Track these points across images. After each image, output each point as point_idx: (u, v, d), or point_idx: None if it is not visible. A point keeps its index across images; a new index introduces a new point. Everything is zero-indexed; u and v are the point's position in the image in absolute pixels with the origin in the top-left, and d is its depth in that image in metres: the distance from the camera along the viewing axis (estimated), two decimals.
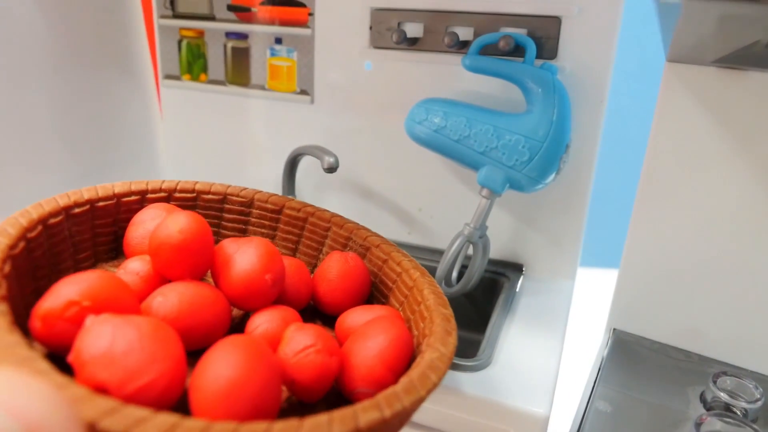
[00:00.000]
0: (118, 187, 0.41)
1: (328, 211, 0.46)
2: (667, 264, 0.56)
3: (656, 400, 0.49)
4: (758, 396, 0.46)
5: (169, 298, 0.33)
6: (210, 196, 0.46)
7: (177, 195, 0.45)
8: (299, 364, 0.31)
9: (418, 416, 0.50)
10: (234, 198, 0.46)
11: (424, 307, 0.37)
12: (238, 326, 0.38)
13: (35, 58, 0.66)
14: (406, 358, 0.33)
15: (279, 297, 0.39)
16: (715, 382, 0.48)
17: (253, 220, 0.47)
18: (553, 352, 0.54)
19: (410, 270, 0.40)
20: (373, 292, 0.44)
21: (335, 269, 0.41)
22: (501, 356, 0.52)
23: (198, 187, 0.45)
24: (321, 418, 0.24)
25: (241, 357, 0.27)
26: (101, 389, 0.25)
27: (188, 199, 0.45)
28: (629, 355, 0.56)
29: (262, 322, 0.36)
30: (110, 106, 0.78)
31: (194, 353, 0.31)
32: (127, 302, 0.31)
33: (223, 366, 0.27)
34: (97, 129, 0.76)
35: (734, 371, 0.50)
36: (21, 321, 0.30)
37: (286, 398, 0.33)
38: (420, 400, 0.27)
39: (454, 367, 0.50)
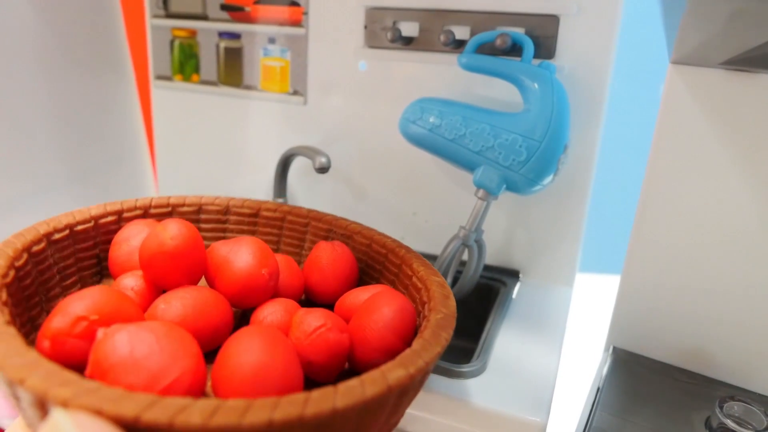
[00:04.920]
0: (94, 209, 0.42)
1: (303, 207, 0.47)
2: (670, 279, 0.54)
3: (658, 426, 0.46)
4: (767, 423, 0.44)
5: (173, 305, 0.33)
6: (185, 209, 0.46)
7: (152, 211, 0.45)
8: (313, 344, 0.32)
9: (409, 424, 0.47)
10: (209, 207, 0.47)
11: (417, 279, 0.38)
12: (240, 325, 0.38)
13: (20, 60, 0.64)
14: (413, 325, 0.34)
15: (274, 293, 0.40)
16: (721, 408, 0.45)
17: (231, 226, 0.48)
18: (551, 360, 0.51)
19: (396, 249, 0.41)
20: (362, 277, 0.44)
21: (325, 258, 0.42)
22: (496, 363, 0.50)
23: (172, 201, 0.46)
24: (353, 382, 0.25)
25: (260, 343, 0.28)
26: None
27: (164, 214, 0.46)
28: (629, 376, 0.53)
29: (266, 314, 0.36)
30: (93, 108, 0.77)
31: (205, 356, 0.31)
32: (132, 313, 0.32)
33: (244, 353, 0.28)
34: (80, 131, 0.75)
35: (742, 395, 0.47)
36: None
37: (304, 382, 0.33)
38: (436, 356, 0.29)
39: (447, 373, 0.47)
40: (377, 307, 0.35)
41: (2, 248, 0.34)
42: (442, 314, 0.33)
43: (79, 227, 0.40)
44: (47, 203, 0.70)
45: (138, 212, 0.44)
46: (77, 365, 0.28)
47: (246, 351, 0.28)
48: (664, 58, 0.51)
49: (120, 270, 0.40)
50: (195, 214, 0.47)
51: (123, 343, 0.26)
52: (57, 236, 0.38)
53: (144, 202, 0.45)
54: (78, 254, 0.41)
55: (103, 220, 0.42)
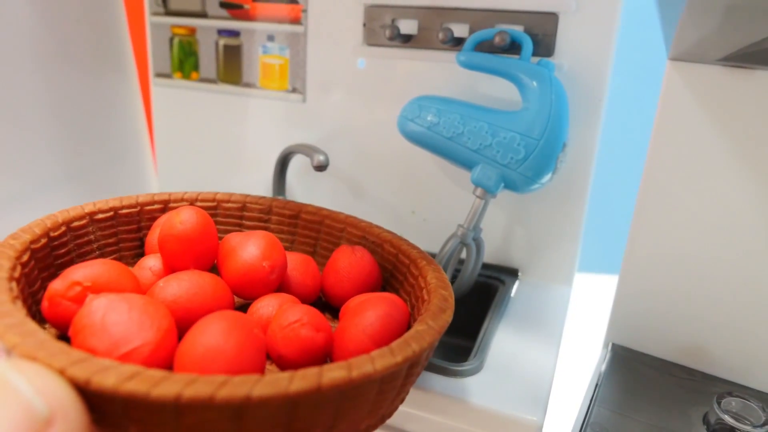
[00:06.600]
0: (142, 197, 0.45)
1: (342, 213, 0.48)
2: (669, 276, 0.54)
3: (656, 421, 0.46)
4: (765, 419, 0.43)
5: (170, 285, 0.35)
6: (230, 204, 0.48)
7: (198, 204, 0.47)
8: (286, 338, 0.32)
9: (404, 422, 0.47)
10: (253, 206, 0.49)
11: (426, 291, 0.38)
12: None
13: (20, 57, 0.64)
14: (396, 333, 0.34)
15: (285, 289, 0.41)
16: (719, 404, 0.44)
17: (272, 226, 0.49)
18: (548, 359, 0.51)
19: (417, 260, 0.41)
20: (385, 286, 0.45)
21: (342, 261, 0.43)
22: (493, 362, 0.50)
23: (219, 197, 0.48)
24: (283, 374, 0.24)
25: (218, 327, 0.29)
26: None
27: (209, 209, 0.47)
28: (628, 372, 0.53)
29: (260, 306, 0.38)
30: (95, 105, 0.76)
31: None
32: (129, 286, 0.34)
33: (200, 334, 0.29)
34: (82, 128, 0.75)
35: (740, 391, 0.46)
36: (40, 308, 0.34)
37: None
38: (393, 366, 0.27)
39: (443, 371, 0.47)
40: (362, 310, 0.34)
41: (43, 219, 0.37)
42: (425, 326, 0.31)
43: (124, 211, 0.44)
44: (48, 201, 0.70)
45: (184, 204, 0.47)
46: (68, 325, 0.30)
47: (203, 332, 0.29)
48: (663, 56, 0.50)
49: (152, 251, 0.43)
50: (239, 210, 0.48)
51: (98, 308, 0.29)
52: (100, 216, 0.42)
53: (191, 195, 0.47)
54: (120, 235, 0.44)
55: (149, 207, 0.45)
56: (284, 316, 0.33)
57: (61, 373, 0.23)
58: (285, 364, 0.32)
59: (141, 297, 0.30)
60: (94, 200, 0.43)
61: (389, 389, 0.29)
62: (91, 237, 0.41)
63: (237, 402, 0.23)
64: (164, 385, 0.23)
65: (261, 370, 0.29)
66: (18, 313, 0.27)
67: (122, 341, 0.28)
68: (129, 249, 0.45)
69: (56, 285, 0.32)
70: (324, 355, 0.33)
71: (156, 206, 0.45)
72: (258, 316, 0.37)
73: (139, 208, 0.44)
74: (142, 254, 0.45)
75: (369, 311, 0.34)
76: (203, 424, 0.24)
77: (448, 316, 0.33)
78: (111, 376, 0.23)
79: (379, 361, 0.27)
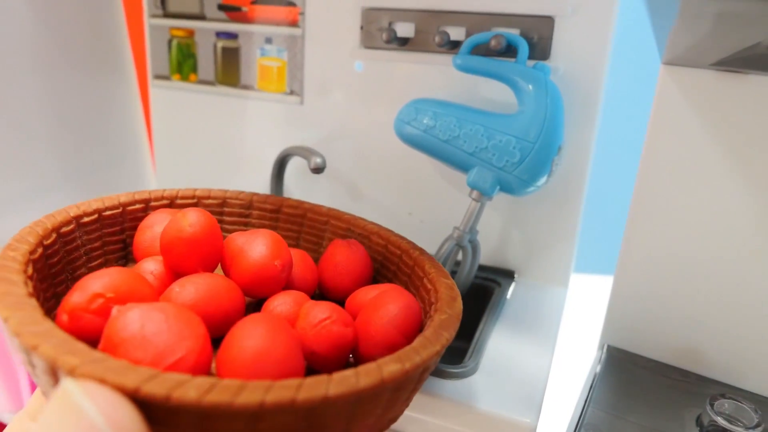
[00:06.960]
0: (123, 197, 0.44)
1: (324, 206, 0.48)
2: (663, 278, 0.54)
3: (650, 423, 0.47)
4: (758, 420, 0.43)
5: (186, 288, 0.35)
6: (210, 201, 0.48)
7: (178, 201, 0.47)
8: (318, 335, 0.33)
9: (399, 424, 0.48)
10: (233, 201, 0.48)
11: (427, 280, 0.39)
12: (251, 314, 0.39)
13: (19, 59, 0.65)
14: (417, 324, 0.35)
15: (287, 285, 0.41)
16: (712, 405, 0.45)
17: (254, 221, 0.49)
18: (543, 361, 0.52)
19: (409, 250, 0.42)
20: (377, 276, 0.45)
21: (339, 255, 0.43)
22: (488, 364, 0.50)
23: (198, 193, 0.48)
24: (348, 372, 0.25)
25: (263, 329, 0.29)
26: None
27: (189, 205, 0.47)
28: (622, 374, 0.54)
29: (277, 305, 0.38)
30: (94, 107, 0.77)
31: (214, 341, 0.33)
32: (147, 293, 0.33)
33: (247, 338, 0.29)
34: (81, 130, 0.75)
35: (733, 393, 0.47)
36: None
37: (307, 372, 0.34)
38: (435, 354, 0.29)
39: (438, 373, 0.48)
40: (383, 303, 0.35)
41: (33, 227, 0.36)
42: (446, 315, 0.33)
43: (108, 212, 0.42)
44: (47, 202, 0.70)
45: (164, 202, 0.46)
46: (92, 339, 0.29)
47: (248, 336, 0.29)
48: (658, 59, 0.51)
49: (143, 254, 0.42)
50: (219, 206, 0.48)
51: (134, 320, 0.28)
52: (86, 219, 0.40)
53: (171, 192, 0.46)
54: (105, 238, 0.42)
55: (130, 207, 0.44)
56: (312, 314, 0.34)
57: (136, 391, 0.22)
58: (317, 360, 0.33)
59: (171, 305, 0.30)
60: None
61: (424, 377, 0.31)
62: (78, 242, 0.40)
63: (316, 403, 0.24)
64: (245, 394, 0.23)
65: (303, 368, 0.30)
66: (58, 331, 0.26)
67: (167, 352, 0.27)
68: (113, 252, 0.43)
69: (76, 298, 0.31)
70: (351, 349, 0.34)
71: (137, 206, 0.44)
72: (277, 313, 0.37)
73: (121, 209, 0.43)
74: (125, 257, 0.44)
75: (390, 304, 0.35)
76: (277, 428, 0.24)
77: (460, 304, 0.35)
78: (191, 390, 0.23)
79: (424, 351, 0.29)
